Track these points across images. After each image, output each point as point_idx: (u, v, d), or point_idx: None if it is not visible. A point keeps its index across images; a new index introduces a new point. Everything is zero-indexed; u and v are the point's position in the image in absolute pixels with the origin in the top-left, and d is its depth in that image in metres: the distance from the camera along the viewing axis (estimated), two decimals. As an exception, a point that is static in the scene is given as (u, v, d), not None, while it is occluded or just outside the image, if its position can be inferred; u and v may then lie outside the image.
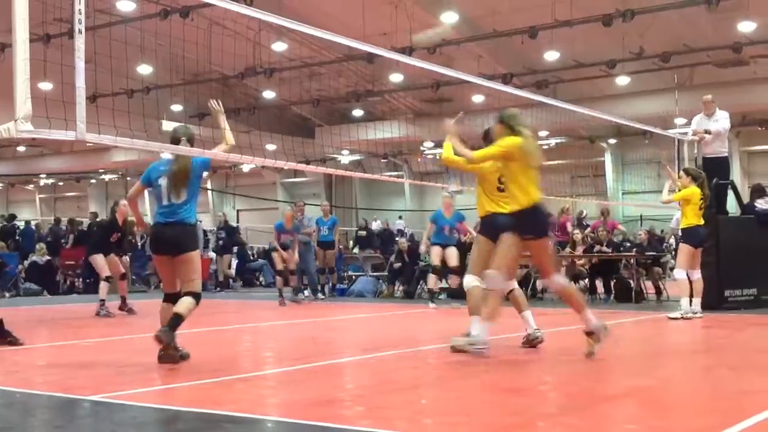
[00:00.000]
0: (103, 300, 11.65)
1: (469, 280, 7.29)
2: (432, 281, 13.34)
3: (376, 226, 28.50)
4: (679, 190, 10.39)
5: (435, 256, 13.00)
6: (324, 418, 4.32)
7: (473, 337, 6.82)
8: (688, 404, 4.91)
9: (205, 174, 7.24)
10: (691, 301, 10.12)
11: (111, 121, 7.73)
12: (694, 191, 10.16)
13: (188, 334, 9.41)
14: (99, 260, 12.09)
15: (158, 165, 6.74)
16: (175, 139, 6.74)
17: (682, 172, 10.65)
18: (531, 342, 7.42)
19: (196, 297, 6.47)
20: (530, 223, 6.73)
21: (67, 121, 5.91)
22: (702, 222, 10.23)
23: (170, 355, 6.28)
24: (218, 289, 19.47)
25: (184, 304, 6.41)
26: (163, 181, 6.59)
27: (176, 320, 6.34)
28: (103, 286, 11.93)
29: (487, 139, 7.50)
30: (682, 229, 10.31)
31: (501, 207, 7.24)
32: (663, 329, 9.39)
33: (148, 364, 6.82)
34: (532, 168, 6.81)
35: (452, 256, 12.88)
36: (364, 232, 24.49)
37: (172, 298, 6.57)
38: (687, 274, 10.15)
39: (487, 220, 7.37)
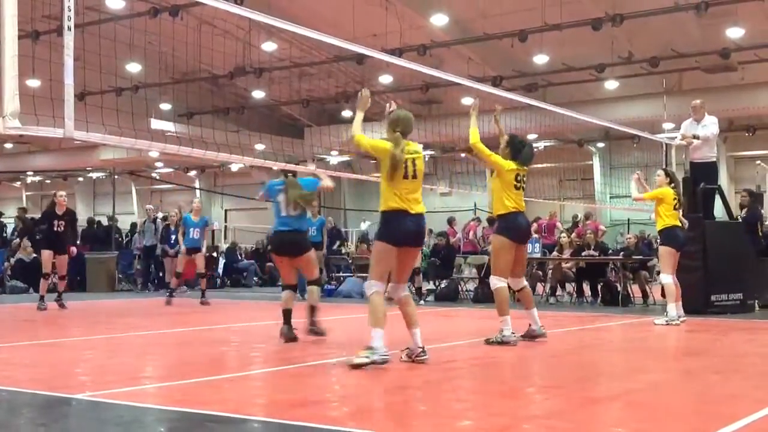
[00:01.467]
0: (43, 296, 12.41)
1: (494, 281, 7.91)
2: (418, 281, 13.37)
3: (365, 227, 28.44)
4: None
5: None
6: (310, 418, 4.31)
7: (507, 336, 7.61)
8: (674, 408, 4.93)
9: (193, 173, 7.78)
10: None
11: (99, 119, 7.72)
12: (666, 191, 10.06)
13: (175, 333, 9.40)
14: (45, 256, 12.58)
15: (274, 184, 8.43)
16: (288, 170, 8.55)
17: (660, 171, 10.55)
18: (532, 336, 8.03)
19: (318, 283, 8.48)
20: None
21: (55, 119, 5.89)
22: (678, 223, 10.15)
23: (292, 338, 8.00)
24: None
25: (313, 295, 8.30)
26: (280, 197, 8.21)
27: (314, 310, 8.25)
28: (44, 283, 12.60)
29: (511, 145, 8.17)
30: (660, 231, 10.14)
31: (519, 205, 7.92)
32: (649, 333, 9.42)
33: (134, 363, 6.81)
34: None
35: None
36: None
37: (291, 288, 8.26)
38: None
39: (509, 218, 7.88)
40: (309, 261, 8.27)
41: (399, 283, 6.65)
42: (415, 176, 6.44)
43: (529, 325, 8.11)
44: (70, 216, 12.85)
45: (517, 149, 8.08)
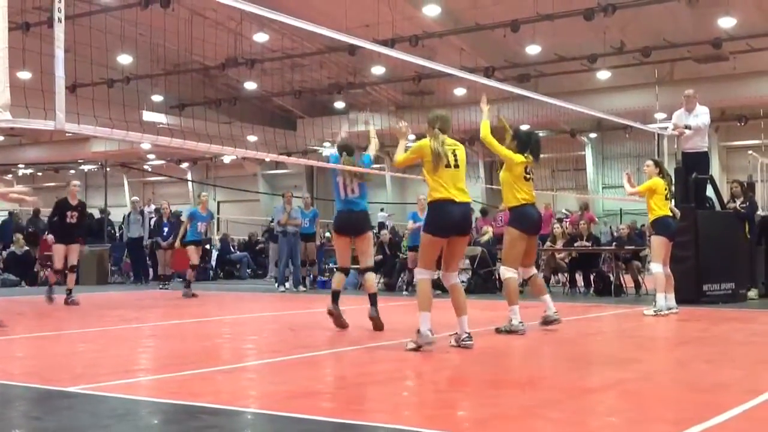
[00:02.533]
0: (52, 286, 12.32)
1: (504, 271, 8.26)
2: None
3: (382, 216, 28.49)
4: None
5: (411, 261, 13.24)
6: (303, 410, 4.32)
7: (515, 326, 7.87)
8: (666, 397, 4.95)
9: (185, 165, 7.70)
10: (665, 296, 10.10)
11: (91, 111, 7.68)
12: (657, 182, 10.01)
13: (168, 325, 9.39)
14: (58, 250, 12.17)
15: (335, 156, 8.54)
16: (345, 147, 8.48)
17: (649, 161, 10.50)
18: (548, 322, 8.32)
19: (373, 270, 8.46)
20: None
21: (46, 111, 5.87)
22: (670, 213, 10.12)
23: (341, 322, 8.25)
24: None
25: (370, 281, 8.30)
26: (339, 179, 8.30)
27: (374, 298, 8.16)
28: (53, 275, 12.54)
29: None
30: (654, 221, 10.05)
31: (529, 197, 8.22)
32: (642, 323, 9.46)
33: (127, 356, 6.80)
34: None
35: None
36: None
37: (344, 271, 8.45)
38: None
39: (520, 210, 8.21)
40: (367, 242, 8.37)
41: (447, 271, 6.89)
42: (457, 165, 6.77)
43: (544, 311, 8.40)
44: (82, 207, 12.51)
45: (524, 142, 8.40)
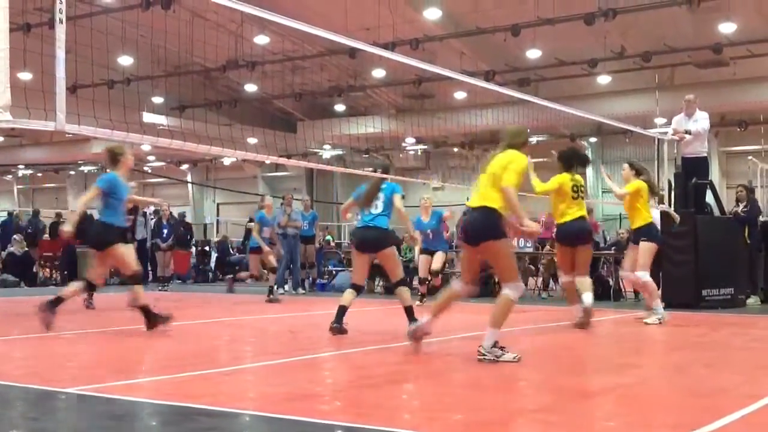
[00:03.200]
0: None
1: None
2: (421, 288, 12.95)
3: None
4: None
5: (422, 267, 12.86)
6: (301, 412, 4.32)
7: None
8: (665, 401, 4.95)
9: (185, 167, 7.68)
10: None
11: (91, 112, 7.69)
12: (642, 185, 9.66)
13: (167, 327, 9.37)
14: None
15: (362, 186, 8.50)
16: (386, 169, 8.71)
17: (625, 164, 10.16)
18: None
19: (404, 283, 8.20)
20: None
21: (46, 112, 5.87)
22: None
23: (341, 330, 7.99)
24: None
25: (404, 295, 8.02)
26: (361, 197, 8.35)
27: (410, 311, 7.92)
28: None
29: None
30: (641, 228, 9.67)
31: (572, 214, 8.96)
32: (641, 327, 9.45)
33: (125, 357, 6.80)
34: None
35: (437, 260, 12.70)
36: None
37: (356, 288, 8.27)
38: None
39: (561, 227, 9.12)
40: (390, 258, 8.20)
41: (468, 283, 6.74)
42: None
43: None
44: (135, 209, 11.55)
45: (567, 159, 9.25)
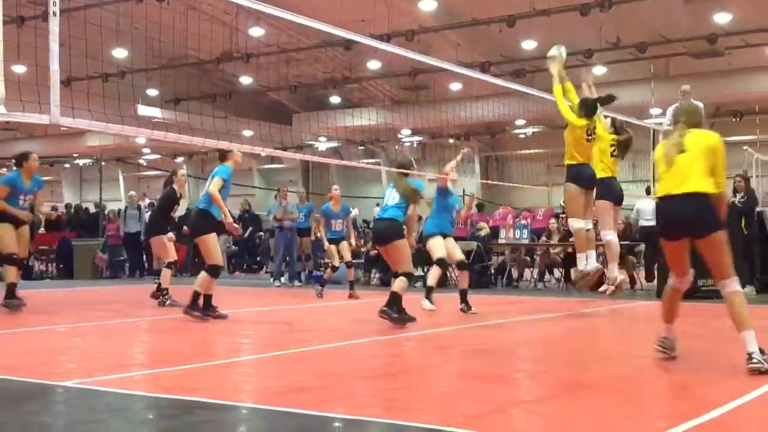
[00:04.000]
0: (166, 288, 10.73)
1: (572, 223, 9.30)
2: (434, 277, 9.95)
3: (354, 213, 28.35)
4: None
5: (437, 247, 9.96)
6: (298, 404, 4.32)
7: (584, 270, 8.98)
8: (661, 392, 4.96)
9: (180, 159, 7.80)
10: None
11: (85, 105, 7.68)
12: (602, 133, 9.43)
13: (163, 320, 9.39)
14: (164, 243, 10.93)
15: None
16: (401, 165, 8.72)
17: (608, 120, 10.03)
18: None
19: (408, 276, 8.05)
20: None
21: (41, 105, 5.85)
22: (614, 175, 9.52)
23: (392, 319, 7.83)
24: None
25: (398, 283, 7.97)
26: (388, 191, 8.50)
27: (393, 298, 7.84)
28: (166, 272, 10.88)
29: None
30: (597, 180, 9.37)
31: (583, 158, 9.14)
32: (637, 317, 9.48)
33: (121, 351, 6.80)
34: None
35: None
36: None
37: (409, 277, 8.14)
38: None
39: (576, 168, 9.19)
40: (396, 251, 8.14)
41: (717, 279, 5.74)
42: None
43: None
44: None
45: (589, 107, 9.37)
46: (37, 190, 10.04)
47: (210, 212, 8.72)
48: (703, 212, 5.34)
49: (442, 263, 9.71)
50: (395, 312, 7.86)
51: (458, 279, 10.07)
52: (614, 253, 9.54)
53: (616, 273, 9.60)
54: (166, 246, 10.95)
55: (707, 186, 5.35)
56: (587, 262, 9.20)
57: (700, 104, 12.02)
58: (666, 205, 5.49)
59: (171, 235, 11.01)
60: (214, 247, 8.70)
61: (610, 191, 9.33)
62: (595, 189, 9.28)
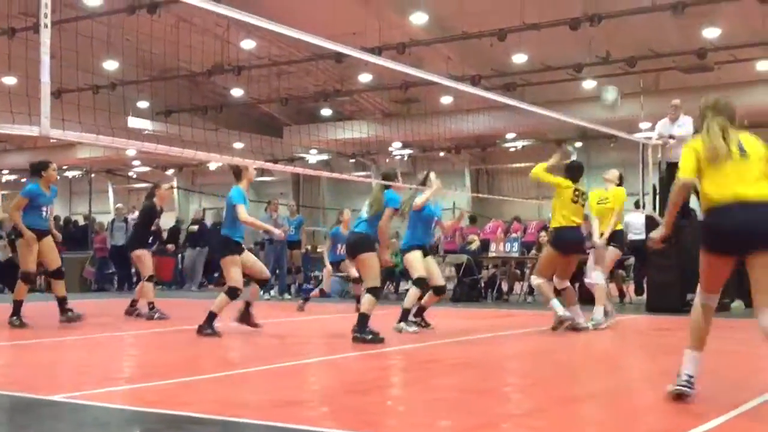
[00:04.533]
0: (152, 302, 10.70)
1: (533, 279, 9.37)
2: (412, 299, 9.17)
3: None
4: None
5: (417, 265, 9.12)
6: (288, 419, 4.31)
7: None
8: (650, 406, 4.96)
9: (170, 171, 7.79)
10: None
11: (76, 117, 7.67)
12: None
13: (151, 333, 9.35)
14: (144, 257, 10.87)
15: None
16: (385, 176, 8.77)
17: (615, 171, 10.52)
18: (574, 328, 9.02)
19: (373, 292, 7.88)
20: None
21: (31, 116, 5.84)
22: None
23: (366, 342, 7.66)
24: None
25: (365, 303, 7.89)
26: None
27: (361, 318, 7.77)
28: (148, 286, 10.80)
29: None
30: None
31: (569, 220, 8.95)
32: (626, 332, 9.49)
33: (110, 364, 6.76)
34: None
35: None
36: (195, 227, 19.75)
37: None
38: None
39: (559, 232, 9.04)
40: (362, 265, 8.14)
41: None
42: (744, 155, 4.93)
43: (573, 318, 9.11)
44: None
45: (572, 170, 9.41)
46: (53, 199, 9.79)
47: (231, 238, 8.83)
48: None
49: (420, 284, 8.95)
50: (367, 333, 7.76)
51: (426, 299, 9.31)
52: (599, 296, 9.67)
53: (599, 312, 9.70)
54: (143, 260, 10.95)
55: None
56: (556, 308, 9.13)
57: (689, 117, 12.16)
58: (735, 213, 4.74)
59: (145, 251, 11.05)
60: (234, 270, 8.78)
61: (563, 242, 9.13)
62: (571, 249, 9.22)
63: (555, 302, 9.06)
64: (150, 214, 11.05)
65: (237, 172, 9.19)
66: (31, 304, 13.71)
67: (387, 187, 8.44)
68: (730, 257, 4.96)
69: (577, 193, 9.10)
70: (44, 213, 9.52)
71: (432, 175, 9.56)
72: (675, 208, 5.33)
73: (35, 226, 9.33)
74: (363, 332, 7.73)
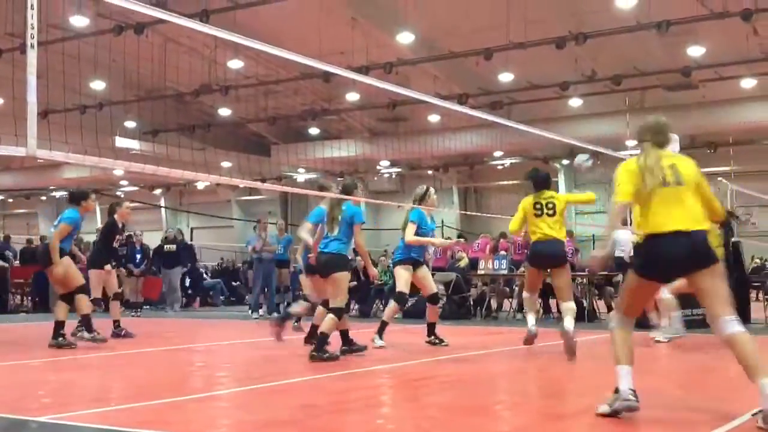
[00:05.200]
0: (117, 320, 10.88)
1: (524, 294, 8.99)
2: (390, 313, 9.47)
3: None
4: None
5: (401, 280, 9.30)
6: (277, 438, 4.28)
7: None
8: (639, 423, 4.96)
9: (158, 191, 7.72)
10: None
11: (63, 137, 7.66)
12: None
13: (140, 353, 9.29)
14: (93, 277, 10.67)
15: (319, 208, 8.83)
16: (345, 188, 8.70)
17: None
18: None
19: (336, 312, 7.83)
20: None
21: (17, 137, 5.82)
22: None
23: (323, 360, 7.64)
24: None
25: (325, 323, 7.82)
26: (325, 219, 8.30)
27: (321, 339, 7.77)
28: (114, 304, 11.07)
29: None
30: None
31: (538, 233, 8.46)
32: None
33: (97, 385, 6.72)
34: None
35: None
36: (173, 247, 18.76)
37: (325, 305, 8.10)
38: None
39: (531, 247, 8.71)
40: (333, 283, 7.98)
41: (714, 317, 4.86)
42: (679, 183, 4.97)
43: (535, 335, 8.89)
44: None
45: (532, 179, 8.81)
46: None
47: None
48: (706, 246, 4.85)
49: (400, 299, 9.19)
50: (324, 353, 7.74)
51: (427, 312, 9.54)
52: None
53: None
54: (109, 278, 10.87)
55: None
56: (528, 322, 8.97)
57: (676, 136, 12.24)
58: (664, 242, 4.82)
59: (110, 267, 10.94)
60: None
61: (530, 256, 8.86)
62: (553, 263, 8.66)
63: (529, 317, 8.97)
64: (112, 230, 10.99)
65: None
66: (19, 325, 13.65)
67: (342, 200, 8.31)
68: (661, 283, 5.21)
69: (537, 205, 8.55)
70: (74, 239, 9.91)
71: (432, 190, 9.90)
72: (612, 230, 5.54)
73: (66, 250, 9.54)
74: (320, 351, 7.71)
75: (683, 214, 4.85)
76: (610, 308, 14.07)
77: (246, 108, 28.25)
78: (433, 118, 27.96)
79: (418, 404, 5.66)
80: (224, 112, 29.37)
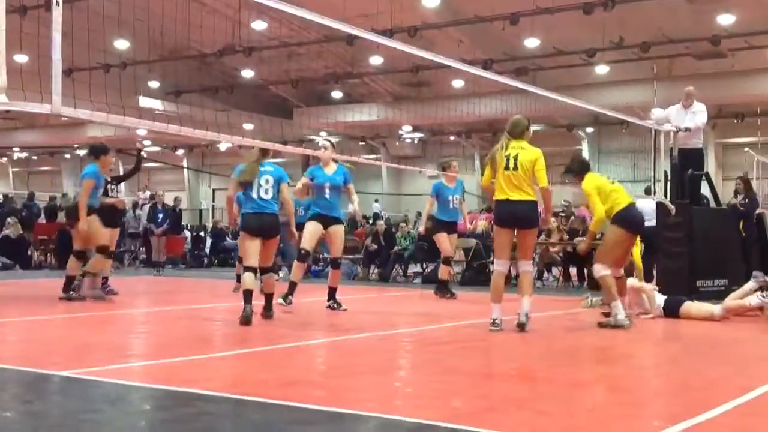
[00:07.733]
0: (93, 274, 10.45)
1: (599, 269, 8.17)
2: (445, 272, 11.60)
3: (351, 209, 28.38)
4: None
5: (443, 244, 11.38)
6: (293, 397, 4.33)
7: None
8: (656, 392, 4.97)
9: (180, 152, 7.77)
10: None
11: (87, 95, 7.66)
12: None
13: (161, 312, 9.39)
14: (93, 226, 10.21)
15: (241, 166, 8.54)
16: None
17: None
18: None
19: (273, 269, 8.39)
20: None
21: (42, 94, 5.83)
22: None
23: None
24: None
25: (268, 280, 8.26)
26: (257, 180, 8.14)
27: (268, 299, 8.23)
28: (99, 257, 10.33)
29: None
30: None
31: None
32: (637, 318, 9.45)
33: (119, 341, 6.81)
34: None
35: (452, 242, 11.59)
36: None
37: (254, 270, 7.98)
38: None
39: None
40: (274, 246, 8.38)
41: (522, 259, 7.81)
42: (516, 168, 7.41)
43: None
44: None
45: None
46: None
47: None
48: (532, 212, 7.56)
49: (447, 262, 11.45)
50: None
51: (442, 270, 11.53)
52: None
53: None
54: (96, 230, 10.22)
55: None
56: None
57: (702, 105, 12.07)
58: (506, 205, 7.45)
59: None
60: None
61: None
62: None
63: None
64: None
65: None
66: (42, 281, 13.83)
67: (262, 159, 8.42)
68: (509, 231, 7.61)
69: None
70: (99, 193, 10.00)
71: (455, 164, 11.52)
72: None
73: (93, 205, 9.71)
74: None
75: (514, 189, 7.45)
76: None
77: (269, 70, 28.14)
78: (457, 84, 27.74)
79: (434, 368, 5.69)
80: (247, 73, 29.29)
